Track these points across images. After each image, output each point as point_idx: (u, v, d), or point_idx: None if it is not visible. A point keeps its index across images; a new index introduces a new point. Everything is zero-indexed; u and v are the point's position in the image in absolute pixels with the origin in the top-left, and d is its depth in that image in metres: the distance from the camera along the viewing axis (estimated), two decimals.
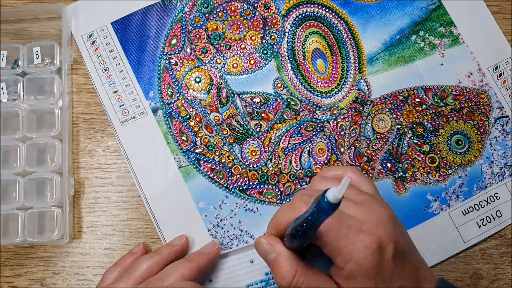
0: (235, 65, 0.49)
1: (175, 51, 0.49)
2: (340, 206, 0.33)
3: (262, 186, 0.47)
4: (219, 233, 0.46)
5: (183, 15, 0.49)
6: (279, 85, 0.49)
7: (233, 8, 0.49)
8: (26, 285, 0.45)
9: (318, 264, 0.35)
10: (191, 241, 0.45)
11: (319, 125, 0.48)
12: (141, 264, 0.41)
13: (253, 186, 0.47)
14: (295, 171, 0.47)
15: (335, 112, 0.48)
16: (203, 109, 0.48)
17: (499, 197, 0.48)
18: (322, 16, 0.50)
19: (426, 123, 0.48)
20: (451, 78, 0.49)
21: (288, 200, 0.47)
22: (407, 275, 0.33)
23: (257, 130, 0.48)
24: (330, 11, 0.50)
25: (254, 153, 0.47)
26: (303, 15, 0.50)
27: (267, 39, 0.49)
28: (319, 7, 0.50)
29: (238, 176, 0.47)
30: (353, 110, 0.49)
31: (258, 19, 0.49)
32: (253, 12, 0.50)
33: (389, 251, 0.32)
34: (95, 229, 0.47)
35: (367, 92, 0.49)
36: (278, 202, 0.47)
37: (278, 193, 0.47)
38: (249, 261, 0.46)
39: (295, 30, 0.49)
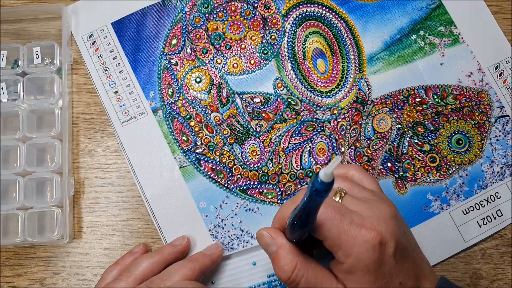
0: (235, 65, 0.49)
1: (176, 51, 0.49)
2: (343, 201, 0.34)
3: (262, 186, 0.47)
4: (220, 233, 0.46)
5: (183, 15, 0.49)
6: (279, 85, 0.49)
7: (233, 8, 0.49)
8: (26, 285, 0.45)
9: (324, 262, 0.35)
10: (192, 241, 0.45)
11: (319, 125, 0.48)
12: (142, 263, 0.41)
13: (254, 186, 0.47)
14: (295, 171, 0.47)
15: (335, 112, 0.48)
16: (204, 109, 0.48)
17: (500, 197, 0.48)
18: (322, 16, 0.50)
19: (426, 122, 0.48)
20: (452, 77, 0.49)
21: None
22: (408, 272, 0.33)
23: (258, 130, 0.48)
24: (330, 11, 0.50)
25: (254, 153, 0.47)
26: (303, 15, 0.50)
27: (267, 39, 0.49)
28: (319, 7, 0.50)
29: (238, 176, 0.47)
30: (354, 110, 0.49)
31: (258, 19, 0.49)
32: (253, 12, 0.50)
33: (390, 248, 0.32)
34: (95, 229, 0.46)
35: (368, 92, 0.49)
36: (278, 202, 0.47)
37: (279, 193, 0.47)
38: (252, 263, 0.45)
39: (295, 30, 0.49)
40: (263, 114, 0.48)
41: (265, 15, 0.50)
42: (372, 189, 0.37)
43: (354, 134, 0.48)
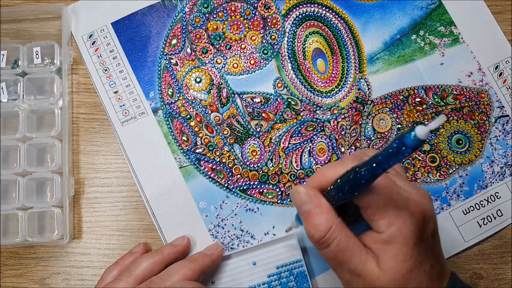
0: (235, 65, 0.49)
1: (176, 51, 0.49)
2: (390, 174, 0.33)
3: (262, 186, 0.47)
4: (220, 233, 0.46)
5: (183, 15, 0.49)
6: (279, 85, 0.49)
7: (233, 8, 0.49)
8: (26, 285, 0.45)
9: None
10: (192, 241, 0.45)
11: (319, 125, 0.48)
12: (142, 263, 0.41)
13: (254, 186, 0.47)
14: (295, 171, 0.47)
15: (335, 111, 0.48)
16: (204, 109, 0.48)
17: (500, 197, 0.48)
18: (322, 16, 0.50)
19: (426, 122, 0.48)
20: (452, 77, 0.49)
21: (288, 200, 0.47)
22: (438, 257, 0.34)
23: (258, 130, 0.48)
24: (330, 11, 0.50)
25: (254, 153, 0.47)
26: (303, 15, 0.50)
27: (267, 39, 0.49)
28: (319, 7, 0.50)
29: (238, 176, 0.47)
30: (354, 110, 0.49)
31: (258, 19, 0.49)
32: (253, 12, 0.50)
33: (430, 226, 0.32)
34: (95, 229, 0.46)
35: (368, 92, 0.49)
36: (278, 202, 0.47)
37: (279, 193, 0.47)
38: (252, 263, 0.45)
39: (295, 30, 0.49)
40: (263, 114, 0.48)
41: (265, 15, 0.50)
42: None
43: (354, 134, 0.48)
